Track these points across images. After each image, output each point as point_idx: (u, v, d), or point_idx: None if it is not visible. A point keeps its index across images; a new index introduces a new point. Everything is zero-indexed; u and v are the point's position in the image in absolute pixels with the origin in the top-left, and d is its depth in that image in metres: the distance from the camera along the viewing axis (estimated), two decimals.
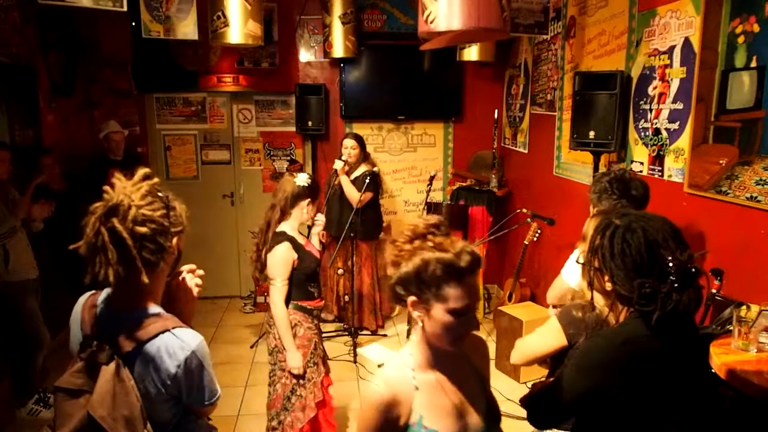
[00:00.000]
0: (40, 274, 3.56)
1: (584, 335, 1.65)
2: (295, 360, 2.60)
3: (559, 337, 1.75)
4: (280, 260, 2.57)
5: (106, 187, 1.32)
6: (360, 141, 4.63)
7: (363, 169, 4.57)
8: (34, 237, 3.59)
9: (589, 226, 1.97)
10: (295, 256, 2.60)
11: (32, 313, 3.48)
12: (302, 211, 2.67)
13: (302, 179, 2.67)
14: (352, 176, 4.53)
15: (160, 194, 1.35)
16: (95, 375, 1.27)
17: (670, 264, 1.28)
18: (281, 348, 2.63)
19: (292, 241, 2.61)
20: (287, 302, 2.63)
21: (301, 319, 2.66)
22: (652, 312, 1.28)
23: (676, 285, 1.27)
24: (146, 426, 1.29)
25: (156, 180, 1.38)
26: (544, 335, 1.81)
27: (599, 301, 1.45)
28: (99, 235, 1.24)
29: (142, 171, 1.37)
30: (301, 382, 2.65)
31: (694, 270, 1.29)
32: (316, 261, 2.71)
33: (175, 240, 1.36)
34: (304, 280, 2.66)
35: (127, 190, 1.31)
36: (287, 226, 2.66)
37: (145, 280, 1.26)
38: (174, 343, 1.31)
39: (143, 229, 1.26)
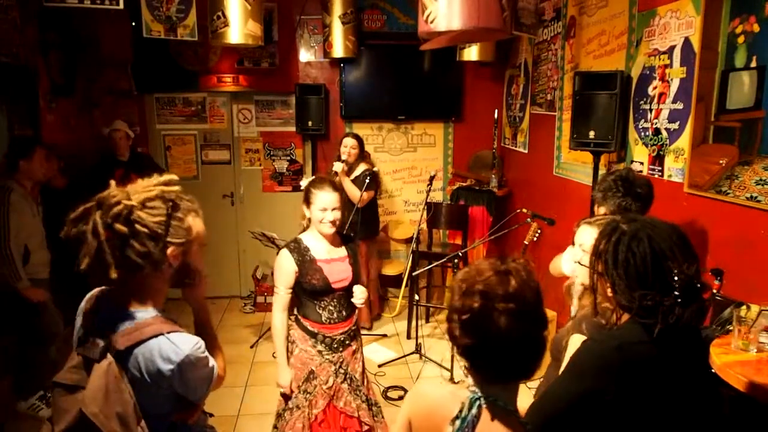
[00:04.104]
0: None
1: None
2: (283, 377, 2.42)
3: None
4: (277, 267, 2.43)
5: (112, 182, 1.33)
6: (360, 141, 4.64)
7: (362, 168, 4.58)
8: None
9: (578, 234, 1.93)
10: (295, 268, 2.40)
11: (45, 308, 3.50)
12: (309, 214, 2.46)
13: (304, 182, 2.54)
14: (352, 176, 4.54)
15: (170, 202, 1.34)
16: (90, 371, 1.28)
17: (676, 278, 1.23)
18: None
19: (300, 250, 2.42)
20: (291, 312, 2.46)
21: (298, 338, 2.46)
22: (652, 324, 1.25)
23: (679, 300, 1.23)
24: (140, 423, 1.29)
25: (176, 188, 1.37)
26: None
27: (603, 303, 1.43)
28: (83, 224, 1.26)
29: (167, 176, 1.37)
30: (289, 405, 2.45)
31: (699, 285, 1.25)
32: (324, 282, 2.41)
33: (171, 250, 1.34)
34: (307, 298, 2.44)
35: (134, 189, 1.32)
36: (308, 234, 2.48)
37: (113, 275, 1.25)
38: (168, 347, 1.30)
39: (122, 228, 1.25)
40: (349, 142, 4.59)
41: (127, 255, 1.27)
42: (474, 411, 1.10)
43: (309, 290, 2.42)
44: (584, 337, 1.61)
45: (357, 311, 2.57)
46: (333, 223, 2.41)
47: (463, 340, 1.11)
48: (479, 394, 1.13)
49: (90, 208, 1.27)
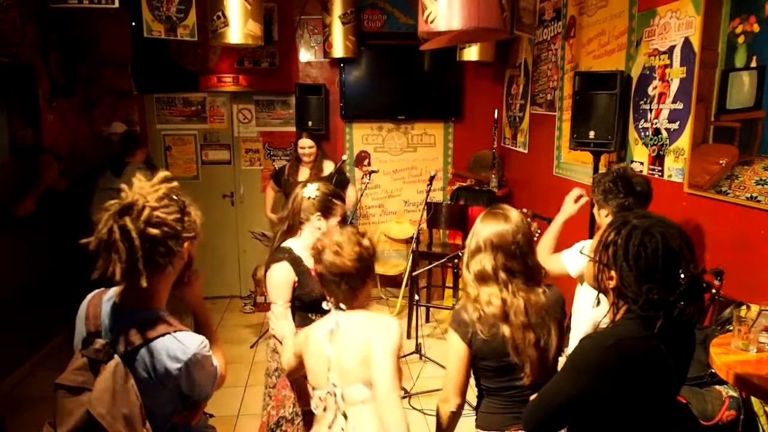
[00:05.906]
0: (39, 273, 3.58)
1: (477, 332, 1.65)
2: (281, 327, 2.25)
3: (458, 344, 1.71)
4: (277, 281, 2.26)
5: (123, 186, 1.33)
6: (316, 139, 4.47)
7: (330, 166, 4.47)
8: (35, 235, 3.61)
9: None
10: (295, 278, 2.27)
11: None
12: (314, 227, 2.30)
13: (310, 190, 2.33)
14: (321, 175, 4.34)
15: (176, 198, 1.35)
16: (97, 372, 1.28)
17: (683, 275, 1.26)
18: (272, 371, 2.37)
19: (295, 260, 2.29)
20: None
21: None
22: (654, 318, 1.27)
23: (684, 296, 1.26)
24: (145, 425, 1.29)
25: (175, 184, 1.39)
26: (451, 353, 1.76)
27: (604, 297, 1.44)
28: (111, 233, 1.25)
29: (162, 173, 1.38)
30: (288, 416, 2.32)
31: (705, 284, 1.28)
32: (321, 292, 2.28)
33: (186, 245, 1.36)
34: (303, 308, 2.31)
35: (144, 191, 1.32)
36: (296, 243, 2.34)
37: (144, 284, 1.26)
38: (175, 346, 1.31)
39: (155, 231, 1.27)
40: (306, 143, 4.36)
41: (153, 257, 1.28)
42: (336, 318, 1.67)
43: (308, 302, 2.29)
44: (454, 334, 1.71)
45: None
46: None
47: None
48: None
49: (113, 215, 1.27)
